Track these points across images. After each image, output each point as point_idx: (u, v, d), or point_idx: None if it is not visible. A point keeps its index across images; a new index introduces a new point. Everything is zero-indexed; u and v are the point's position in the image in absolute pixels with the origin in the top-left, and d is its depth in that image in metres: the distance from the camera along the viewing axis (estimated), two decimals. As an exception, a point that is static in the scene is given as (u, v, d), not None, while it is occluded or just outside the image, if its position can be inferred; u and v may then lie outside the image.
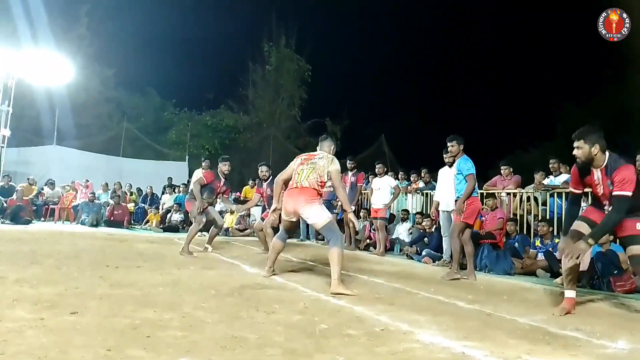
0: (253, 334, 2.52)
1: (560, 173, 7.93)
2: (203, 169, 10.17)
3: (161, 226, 12.29)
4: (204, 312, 2.96)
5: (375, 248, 8.85)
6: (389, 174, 10.23)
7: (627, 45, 8.51)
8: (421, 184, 9.99)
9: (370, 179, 10.88)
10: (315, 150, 4.90)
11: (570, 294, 3.80)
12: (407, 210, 9.56)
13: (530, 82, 22.66)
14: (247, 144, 23.09)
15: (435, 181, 8.05)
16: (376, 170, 9.21)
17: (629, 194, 3.59)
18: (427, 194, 9.68)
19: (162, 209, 13.36)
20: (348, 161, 9.72)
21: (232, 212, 12.13)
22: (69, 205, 13.31)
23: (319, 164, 4.54)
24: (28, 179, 13.65)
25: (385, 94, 28.65)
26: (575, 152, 3.76)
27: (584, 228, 3.81)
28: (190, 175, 11.58)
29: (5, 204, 11.93)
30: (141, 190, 15.36)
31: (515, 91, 23.85)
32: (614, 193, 3.61)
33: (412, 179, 10.38)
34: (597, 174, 3.75)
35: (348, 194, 9.08)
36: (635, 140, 13.92)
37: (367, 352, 2.31)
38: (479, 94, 25.58)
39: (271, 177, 7.35)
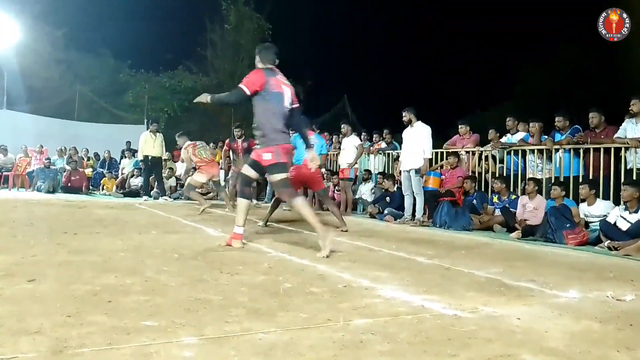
0: (217, 295, 2.53)
1: (518, 131, 8.12)
2: (151, 131, 10.60)
3: (121, 191, 12.05)
4: (166, 276, 2.94)
5: (339, 208, 8.96)
6: (354, 134, 10.27)
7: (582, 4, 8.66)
8: (383, 145, 10.08)
9: (333, 140, 10.90)
10: None
11: (239, 230, 4.19)
12: (369, 171, 9.66)
13: (489, 43, 22.85)
14: (207, 106, 22.55)
15: (397, 142, 8.19)
16: (341, 130, 9.24)
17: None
18: (389, 154, 9.78)
19: (122, 173, 13.07)
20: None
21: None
22: (23, 171, 12.85)
23: None
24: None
25: (347, 55, 28.40)
26: None
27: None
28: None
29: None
30: (99, 155, 14.93)
31: (474, 52, 24.04)
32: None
33: (374, 139, 10.45)
34: None
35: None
36: (590, 97, 14.33)
37: (330, 308, 2.35)
38: (440, 56, 25.64)
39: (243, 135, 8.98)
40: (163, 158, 11.29)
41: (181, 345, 1.78)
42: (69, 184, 12.05)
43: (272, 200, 6.35)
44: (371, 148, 10.17)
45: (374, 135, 10.49)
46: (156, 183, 11.08)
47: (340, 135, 10.13)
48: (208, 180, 8.55)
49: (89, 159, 14.66)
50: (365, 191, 9.26)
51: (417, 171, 7.13)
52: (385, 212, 7.83)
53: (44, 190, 11.58)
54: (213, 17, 23.61)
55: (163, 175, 11.35)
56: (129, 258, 3.54)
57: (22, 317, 2.01)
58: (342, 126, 9.29)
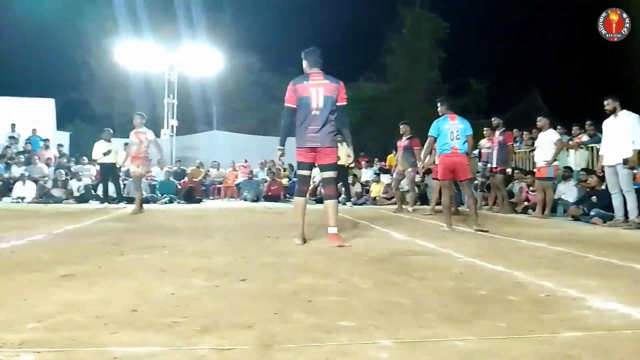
0: (407, 299, 2.52)
1: None
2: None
3: (313, 198, 12.87)
4: (358, 278, 3.04)
5: (534, 210, 8.27)
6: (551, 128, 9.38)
7: None
8: (585, 138, 9.03)
9: (524, 137, 10.18)
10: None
11: (332, 230, 4.51)
12: (569, 168, 8.72)
13: None
14: (386, 113, 22.91)
15: (601, 133, 7.26)
16: (537, 124, 8.49)
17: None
18: (592, 148, 8.73)
19: (313, 182, 13.97)
20: (493, 119, 9.12)
21: (378, 182, 12.31)
22: (232, 183, 14.59)
23: None
24: (197, 162, 15.28)
25: (533, 44, 26.11)
26: None
27: None
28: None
29: (179, 186, 13.48)
30: (292, 166, 16.19)
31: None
32: None
33: (573, 132, 9.43)
34: None
35: (497, 155, 8.64)
36: None
37: (532, 319, 2.17)
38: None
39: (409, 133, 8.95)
40: (347, 165, 11.76)
41: (377, 347, 1.81)
42: (269, 193, 13.32)
43: (446, 203, 6.15)
44: (570, 142, 9.18)
45: (573, 128, 9.46)
46: (343, 189, 11.58)
47: (534, 130, 9.33)
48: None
49: (284, 170, 15.99)
50: (566, 191, 8.38)
51: (625, 162, 6.21)
52: (592, 213, 6.97)
53: (249, 199, 12.98)
54: (390, 25, 23.96)
55: (348, 181, 11.83)
56: (323, 260, 3.75)
57: (237, 312, 2.26)
58: (538, 119, 8.43)
